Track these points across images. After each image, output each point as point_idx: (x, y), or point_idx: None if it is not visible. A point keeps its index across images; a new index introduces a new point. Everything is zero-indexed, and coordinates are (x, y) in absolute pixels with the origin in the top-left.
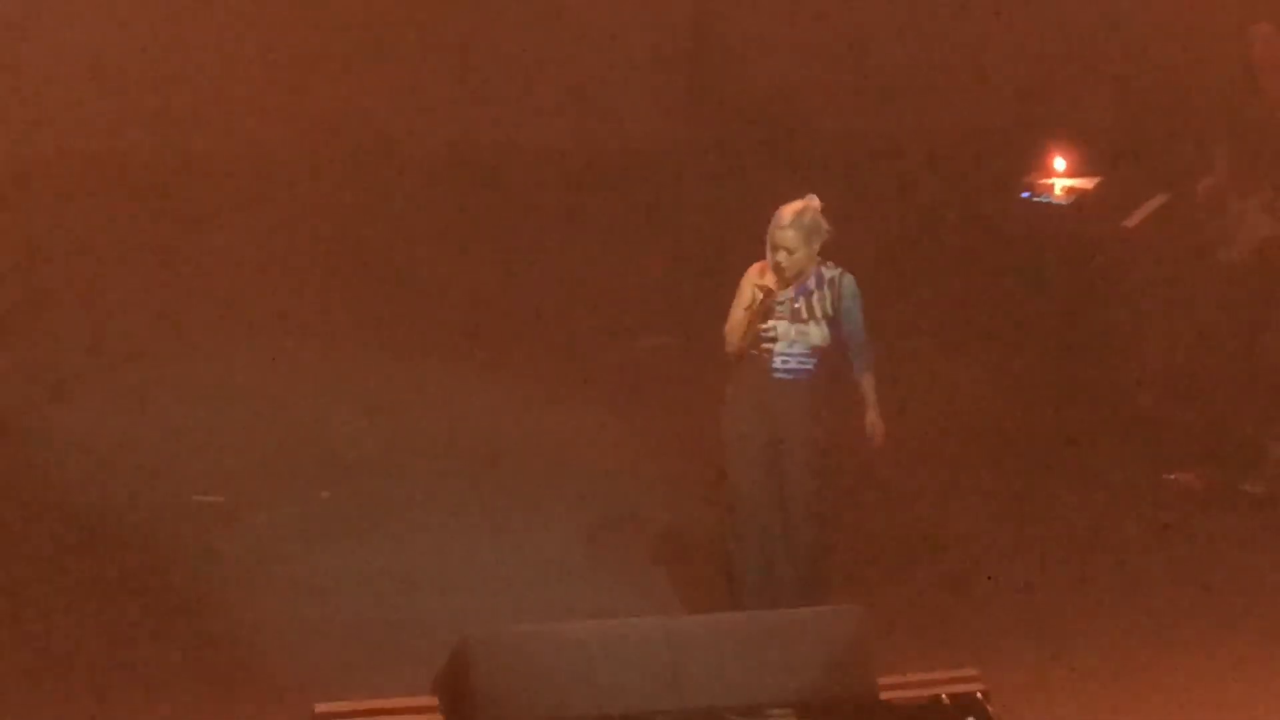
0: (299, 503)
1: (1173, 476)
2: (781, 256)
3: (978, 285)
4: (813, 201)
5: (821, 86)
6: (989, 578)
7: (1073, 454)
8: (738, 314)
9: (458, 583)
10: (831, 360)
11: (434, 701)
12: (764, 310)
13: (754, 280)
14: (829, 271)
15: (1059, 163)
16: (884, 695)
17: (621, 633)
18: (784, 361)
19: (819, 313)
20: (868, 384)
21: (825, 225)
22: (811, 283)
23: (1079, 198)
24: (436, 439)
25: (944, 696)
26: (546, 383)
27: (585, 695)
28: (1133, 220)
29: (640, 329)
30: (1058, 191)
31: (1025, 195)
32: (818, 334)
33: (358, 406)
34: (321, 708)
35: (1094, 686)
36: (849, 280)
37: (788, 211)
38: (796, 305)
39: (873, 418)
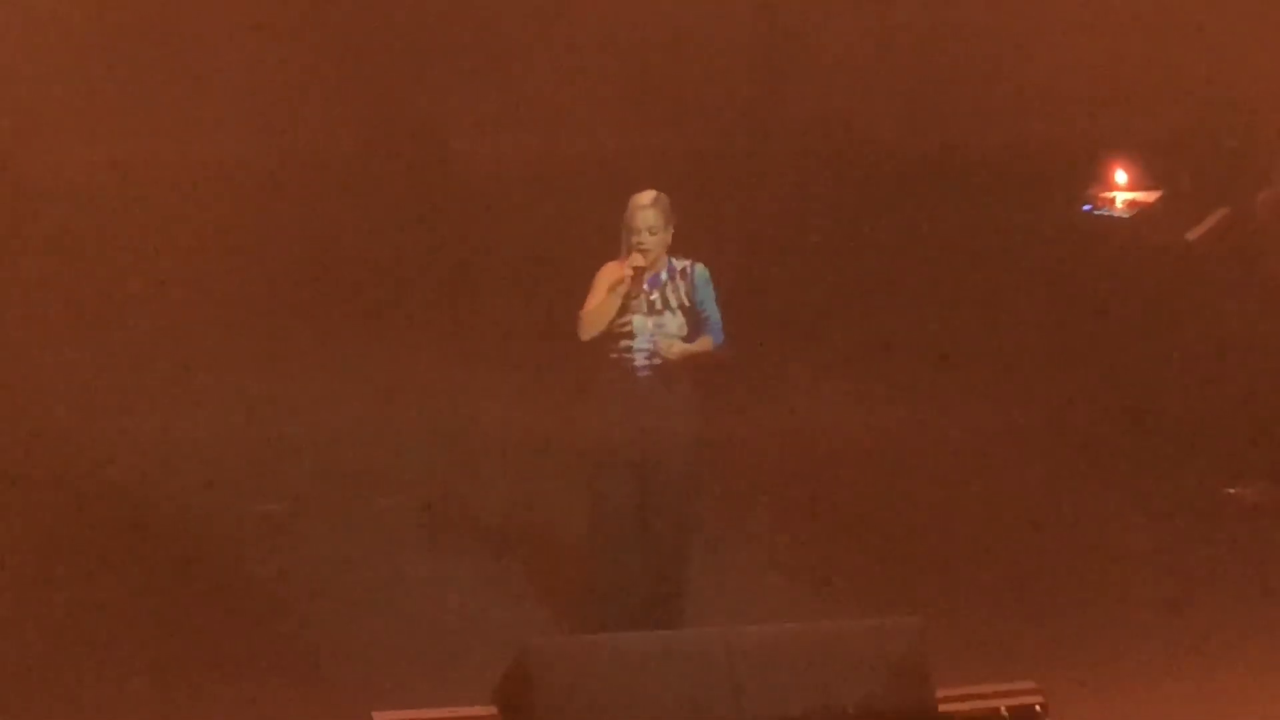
0: (357, 509)
1: (1232, 491)
2: (645, 236)
3: (1038, 298)
4: (661, 193)
5: (885, 99)
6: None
7: (1131, 467)
8: (598, 298)
9: (519, 590)
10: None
11: (493, 711)
12: (635, 288)
13: (611, 273)
14: (679, 262)
15: (1120, 176)
16: (942, 708)
17: (681, 643)
18: (647, 357)
19: (674, 303)
20: (703, 340)
21: (672, 215)
22: (663, 274)
23: (1140, 211)
24: (481, 440)
25: (1003, 709)
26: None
27: (645, 706)
28: (1194, 234)
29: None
30: (1119, 205)
31: (1086, 208)
32: (674, 324)
33: (410, 412)
34: (380, 716)
35: (1153, 699)
36: (700, 269)
37: (646, 194)
38: (651, 298)
39: (679, 348)
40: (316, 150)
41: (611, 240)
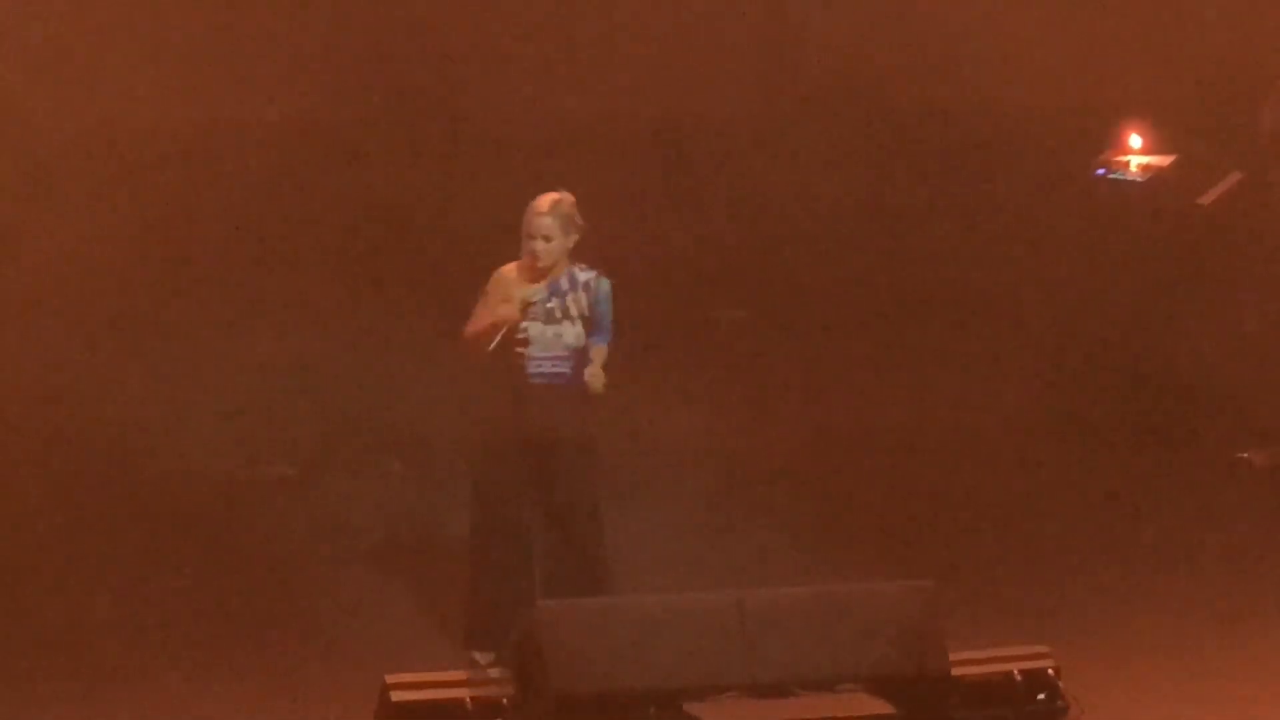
0: (367, 474)
1: (1244, 455)
2: (539, 245)
3: (1051, 261)
4: (567, 195)
5: (896, 65)
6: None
7: (1143, 431)
8: (481, 319)
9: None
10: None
11: (505, 673)
12: (510, 332)
13: (508, 280)
14: (583, 274)
15: (1135, 140)
16: (955, 671)
17: (693, 605)
18: (538, 366)
19: (574, 312)
20: (598, 352)
21: (580, 221)
22: (564, 283)
23: (1154, 175)
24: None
25: (1016, 673)
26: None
27: (657, 667)
28: (1208, 198)
29: (716, 302)
30: (1133, 169)
31: (1100, 172)
32: (572, 334)
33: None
34: (392, 679)
35: (1166, 663)
36: (605, 284)
37: (545, 200)
38: (550, 305)
39: (595, 370)
40: (322, 114)
41: (612, 212)
